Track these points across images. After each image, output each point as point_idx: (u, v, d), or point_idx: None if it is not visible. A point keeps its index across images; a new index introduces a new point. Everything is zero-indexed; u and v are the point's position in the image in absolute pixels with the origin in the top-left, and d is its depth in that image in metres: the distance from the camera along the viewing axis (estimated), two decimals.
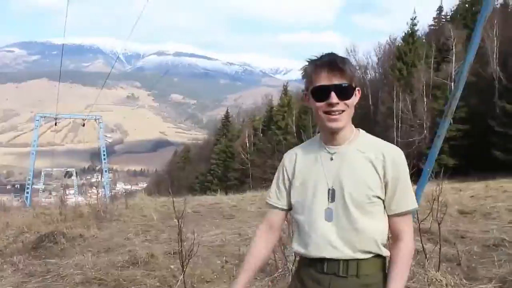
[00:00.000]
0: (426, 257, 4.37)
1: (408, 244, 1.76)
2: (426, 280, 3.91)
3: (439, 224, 4.22)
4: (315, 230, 1.76)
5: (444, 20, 48.31)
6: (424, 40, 44.55)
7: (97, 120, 50.74)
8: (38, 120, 47.19)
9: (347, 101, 1.72)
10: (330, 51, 1.81)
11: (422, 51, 40.15)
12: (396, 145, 1.84)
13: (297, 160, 1.89)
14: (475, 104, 31.66)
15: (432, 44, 39.77)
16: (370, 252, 1.73)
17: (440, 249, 4.29)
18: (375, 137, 1.85)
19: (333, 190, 1.75)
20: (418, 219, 4.58)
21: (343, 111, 1.72)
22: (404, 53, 41.22)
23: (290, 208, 1.90)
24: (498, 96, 32.40)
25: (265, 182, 49.78)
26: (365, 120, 40.71)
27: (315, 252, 1.76)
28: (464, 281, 4.08)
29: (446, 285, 3.87)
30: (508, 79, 32.08)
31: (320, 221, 1.76)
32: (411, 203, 1.77)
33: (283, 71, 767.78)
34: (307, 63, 1.79)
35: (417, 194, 5.40)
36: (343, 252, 1.72)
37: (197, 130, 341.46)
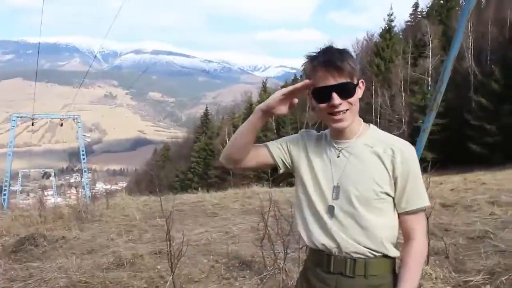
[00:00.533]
0: None
1: (420, 243, 1.71)
2: None
3: (427, 218, 4.24)
4: (317, 225, 1.75)
5: (420, 16, 49.00)
6: (401, 36, 45.14)
7: (75, 120, 49.95)
8: (14, 121, 46.21)
9: (350, 99, 1.67)
10: (327, 46, 1.75)
11: (399, 47, 40.64)
12: None
13: (313, 143, 1.85)
14: (452, 99, 32.15)
15: (409, 40, 40.31)
16: (377, 251, 1.69)
17: (428, 243, 4.30)
18: (385, 132, 1.80)
19: (338, 187, 1.72)
20: None
21: (347, 110, 1.67)
22: (382, 49, 41.62)
23: (274, 161, 1.85)
24: (473, 90, 32.99)
25: (245, 179, 49.85)
26: None
27: (318, 243, 1.75)
28: (453, 274, 4.11)
29: (436, 278, 3.89)
30: (483, 74, 32.69)
31: (323, 217, 1.73)
32: (423, 200, 1.71)
33: (261, 68, 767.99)
34: (305, 61, 1.73)
35: None
36: (348, 249, 1.69)
37: (176, 128, 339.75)
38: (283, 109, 1.72)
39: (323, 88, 1.65)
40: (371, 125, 1.82)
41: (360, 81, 1.74)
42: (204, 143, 59.75)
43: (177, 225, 8.91)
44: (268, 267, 4.62)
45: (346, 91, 1.65)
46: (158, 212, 11.72)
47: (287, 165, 1.87)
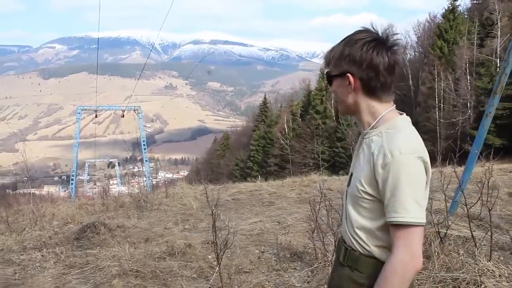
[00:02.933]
0: (476, 246, 4.10)
1: (396, 261, 1.50)
2: (477, 270, 3.64)
3: (489, 210, 3.94)
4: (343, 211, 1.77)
5: None
6: (466, 16, 42.85)
7: (136, 111, 51.55)
8: (79, 113, 48.42)
9: (331, 89, 1.72)
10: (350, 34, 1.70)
11: (464, 27, 38.64)
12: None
13: None
14: None
15: (475, 20, 38.18)
16: (363, 247, 1.64)
17: (491, 236, 4.00)
18: (401, 133, 1.58)
19: (351, 176, 1.70)
20: (466, 204, 4.30)
21: (337, 98, 1.72)
22: (445, 31, 39.83)
23: None
24: None
25: (305, 167, 49.61)
26: (405, 101, 39.71)
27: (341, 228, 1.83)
28: None
29: (500, 276, 3.59)
30: None
31: (344, 202, 1.74)
32: (402, 215, 1.50)
33: (320, 54, 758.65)
34: None
35: (465, 177, 5.09)
36: (343, 237, 1.73)
37: (236, 117, 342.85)
38: None
39: None
40: (397, 118, 1.66)
41: (347, 75, 1.63)
42: (263, 132, 59.87)
43: (232, 214, 8.95)
44: (319, 260, 4.49)
45: (327, 79, 1.73)
46: (216, 200, 11.87)
47: None
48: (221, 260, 3.76)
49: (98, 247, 7.02)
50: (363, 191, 1.58)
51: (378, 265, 1.58)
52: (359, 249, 1.63)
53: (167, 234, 7.13)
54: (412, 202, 1.50)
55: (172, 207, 10.98)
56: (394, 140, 1.54)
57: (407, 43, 51.58)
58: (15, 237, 8.94)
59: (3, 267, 6.04)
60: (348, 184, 1.70)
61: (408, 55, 51.55)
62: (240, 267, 4.74)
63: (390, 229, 1.54)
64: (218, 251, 3.71)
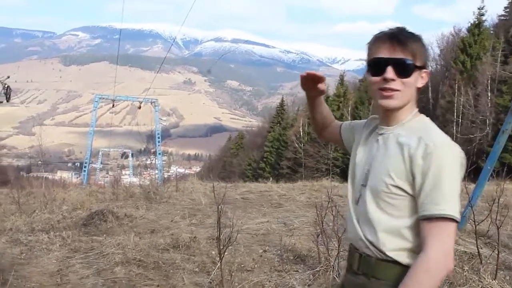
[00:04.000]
0: (481, 263, 4.05)
1: (429, 259, 1.41)
2: None
3: (498, 227, 3.89)
4: (348, 209, 1.68)
5: None
6: (491, 32, 42.31)
7: (153, 103, 51.83)
8: (97, 102, 48.87)
9: (405, 80, 1.54)
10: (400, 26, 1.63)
11: (489, 43, 38.17)
12: (455, 141, 1.59)
13: (369, 128, 1.76)
14: None
15: (500, 36, 37.71)
16: (381, 252, 1.52)
17: (498, 255, 3.94)
18: (434, 127, 1.59)
19: (367, 172, 1.60)
20: (474, 220, 4.25)
21: (398, 90, 1.54)
22: (469, 45, 39.35)
23: (339, 135, 1.98)
24: None
25: (317, 172, 49.41)
26: (423, 113, 39.26)
27: (347, 234, 1.71)
28: None
29: None
30: None
31: (350, 201, 1.66)
32: (444, 208, 1.42)
33: (340, 60, 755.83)
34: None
35: (476, 193, 5.03)
36: (357, 242, 1.60)
37: (252, 117, 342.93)
38: (312, 92, 1.89)
39: (380, 59, 1.55)
40: (423, 116, 1.66)
41: (423, 71, 1.59)
42: (278, 134, 59.74)
43: (240, 213, 8.96)
44: (322, 264, 4.47)
45: (403, 68, 1.53)
46: (225, 198, 11.88)
47: (349, 143, 1.90)
48: (224, 256, 3.77)
49: (104, 234, 7.09)
50: (393, 185, 1.50)
51: (399, 270, 1.50)
52: (376, 254, 1.53)
53: (173, 227, 7.16)
54: (453, 195, 1.45)
55: (181, 201, 11.04)
56: (432, 132, 1.53)
57: (429, 55, 51.09)
58: (25, 218, 9.08)
59: (11, 246, 6.14)
60: (365, 182, 1.60)
61: (430, 67, 51.03)
62: (242, 265, 4.74)
63: (423, 225, 1.46)
64: (221, 246, 3.71)
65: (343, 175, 46.28)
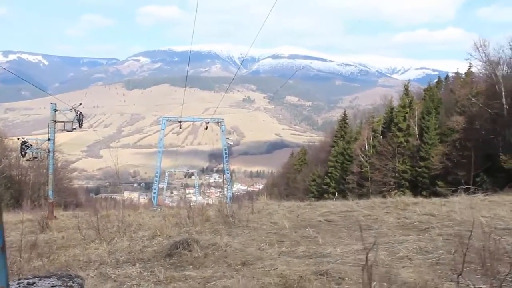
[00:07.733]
0: None
1: None
2: None
3: None
4: None
5: None
6: None
7: (219, 123, 52.25)
8: (164, 124, 49.84)
9: None
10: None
11: None
12: None
13: None
14: None
15: None
16: None
17: None
18: None
19: None
20: None
21: None
22: None
23: None
24: None
25: (385, 186, 47.64)
26: (496, 121, 36.92)
27: None
28: None
29: None
30: None
31: None
32: None
33: (400, 70, 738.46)
34: None
35: None
36: None
37: (312, 132, 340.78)
38: None
39: None
40: None
41: None
42: (342, 148, 58.50)
43: (329, 238, 8.26)
44: None
45: None
46: (307, 220, 11.20)
47: None
48: None
49: (192, 266, 6.66)
50: None
51: None
52: None
53: (266, 257, 6.60)
54: None
55: (262, 225, 10.49)
56: None
57: (500, 58, 48.36)
58: (105, 246, 8.88)
59: (100, 281, 5.81)
60: None
61: (502, 71, 48.31)
62: None
63: None
64: None
65: (413, 188, 44.34)
